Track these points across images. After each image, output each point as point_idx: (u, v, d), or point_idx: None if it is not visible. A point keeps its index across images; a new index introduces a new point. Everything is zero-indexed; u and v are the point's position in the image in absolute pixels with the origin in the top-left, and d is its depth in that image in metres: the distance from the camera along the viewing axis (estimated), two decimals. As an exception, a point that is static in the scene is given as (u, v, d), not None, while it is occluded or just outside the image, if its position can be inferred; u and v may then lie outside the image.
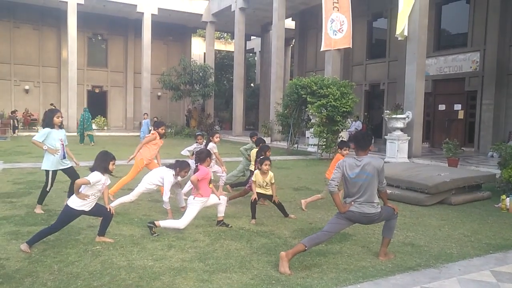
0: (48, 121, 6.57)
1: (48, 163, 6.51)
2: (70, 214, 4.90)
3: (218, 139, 8.41)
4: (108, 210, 5.11)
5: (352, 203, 4.53)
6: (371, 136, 5.07)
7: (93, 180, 4.84)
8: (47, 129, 6.49)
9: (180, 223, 5.41)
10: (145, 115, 21.80)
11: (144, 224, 5.84)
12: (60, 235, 5.21)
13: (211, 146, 8.00)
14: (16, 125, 23.62)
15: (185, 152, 8.84)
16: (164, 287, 3.84)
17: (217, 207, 5.93)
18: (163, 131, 7.85)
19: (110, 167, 5.01)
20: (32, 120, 26.92)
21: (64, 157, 6.68)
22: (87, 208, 4.93)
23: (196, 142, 8.80)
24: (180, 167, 6.21)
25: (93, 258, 4.55)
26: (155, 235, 5.36)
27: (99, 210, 5.13)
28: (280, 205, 6.56)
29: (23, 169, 10.84)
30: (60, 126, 6.71)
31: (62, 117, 6.79)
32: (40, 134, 6.46)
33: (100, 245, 4.97)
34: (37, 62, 28.50)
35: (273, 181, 6.42)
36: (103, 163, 4.97)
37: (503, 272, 4.46)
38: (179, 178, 6.36)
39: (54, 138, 6.51)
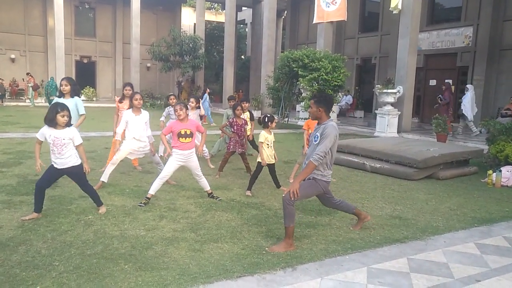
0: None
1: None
2: (49, 170, 4.89)
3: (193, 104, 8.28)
4: (84, 170, 5.04)
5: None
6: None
7: (38, 133, 4.84)
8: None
9: (163, 175, 5.62)
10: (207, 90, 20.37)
11: (136, 195, 5.89)
12: (52, 205, 5.23)
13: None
14: (2, 93, 23.12)
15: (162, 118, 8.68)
16: (157, 256, 3.90)
17: (199, 183, 6.00)
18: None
19: (59, 119, 4.73)
20: (19, 90, 26.42)
21: None
22: (57, 166, 4.80)
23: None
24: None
25: (85, 227, 4.59)
26: (140, 204, 5.43)
27: (78, 178, 5.04)
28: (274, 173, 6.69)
29: (12, 139, 10.73)
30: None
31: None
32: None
33: (92, 215, 5.01)
34: (22, 30, 27.74)
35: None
36: (48, 115, 4.77)
37: (487, 244, 4.59)
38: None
39: None
